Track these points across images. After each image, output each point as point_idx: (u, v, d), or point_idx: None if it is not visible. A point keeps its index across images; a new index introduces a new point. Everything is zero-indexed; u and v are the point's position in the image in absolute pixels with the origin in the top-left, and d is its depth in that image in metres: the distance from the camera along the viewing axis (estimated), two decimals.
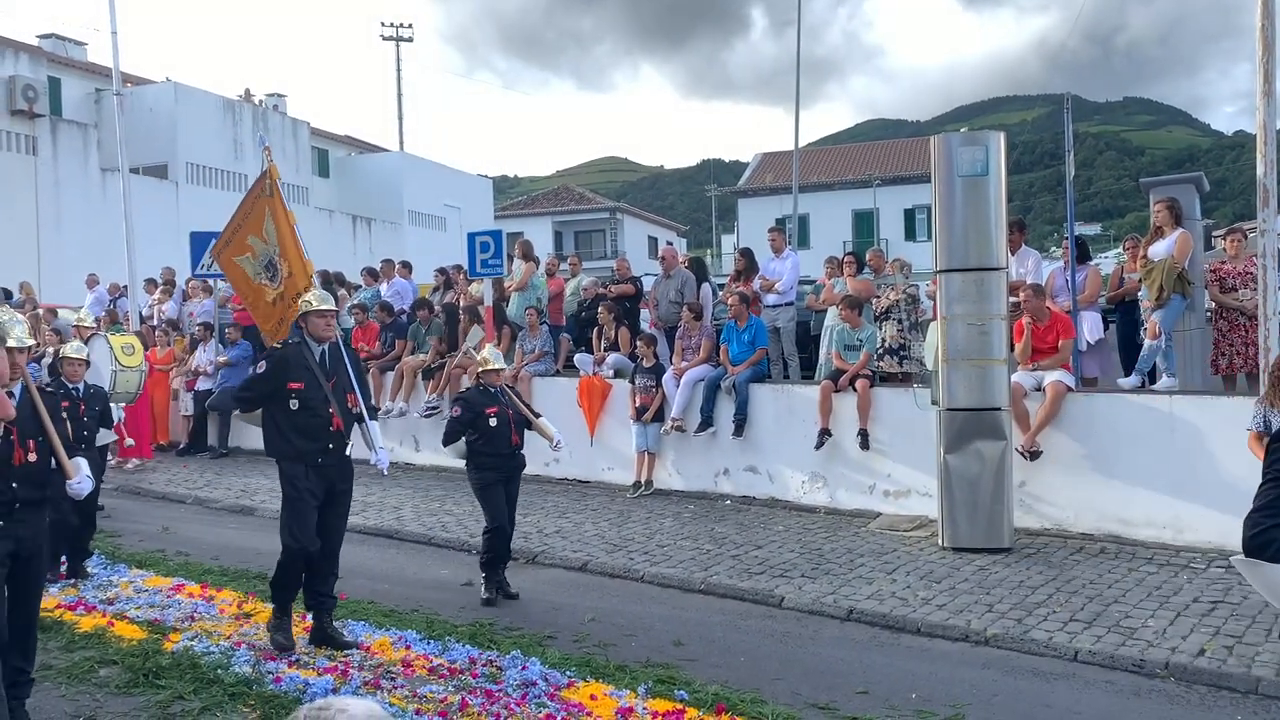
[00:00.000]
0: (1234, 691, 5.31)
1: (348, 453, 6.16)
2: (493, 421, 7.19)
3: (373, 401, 6.62)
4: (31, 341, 4.87)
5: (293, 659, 5.83)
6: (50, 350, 10.72)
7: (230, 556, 8.52)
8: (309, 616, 6.21)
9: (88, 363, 8.06)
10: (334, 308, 6.36)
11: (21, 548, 4.62)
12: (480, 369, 7.50)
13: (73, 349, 7.92)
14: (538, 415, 7.70)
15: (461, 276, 13.83)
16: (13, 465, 4.59)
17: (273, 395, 5.98)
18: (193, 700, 5.19)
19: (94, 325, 10.59)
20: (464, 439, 7.24)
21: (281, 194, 7.55)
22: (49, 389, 11.97)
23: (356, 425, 6.29)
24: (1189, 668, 5.53)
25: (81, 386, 7.86)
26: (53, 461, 4.82)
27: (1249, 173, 8.11)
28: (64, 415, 5.55)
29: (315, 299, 6.26)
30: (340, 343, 6.31)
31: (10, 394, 4.61)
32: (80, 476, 4.87)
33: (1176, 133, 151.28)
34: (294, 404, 5.92)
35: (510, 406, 7.40)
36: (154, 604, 7.00)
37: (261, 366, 6.06)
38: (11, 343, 4.58)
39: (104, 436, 8.38)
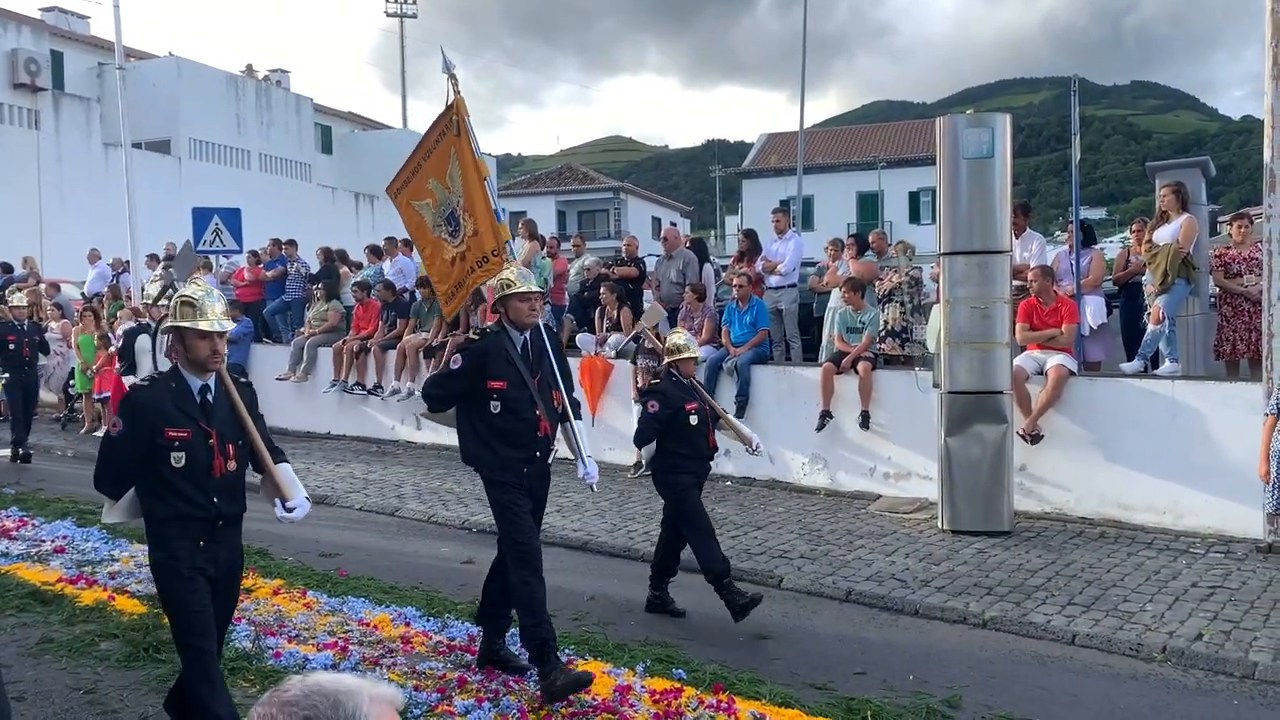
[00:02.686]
0: (1231, 676, 5.32)
1: (550, 461, 5.31)
2: (693, 419, 6.28)
3: (575, 395, 5.59)
4: (231, 325, 4.23)
5: (292, 634, 5.85)
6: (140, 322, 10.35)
7: None
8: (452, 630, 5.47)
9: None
10: (539, 288, 5.40)
11: (222, 571, 4.07)
12: (671, 357, 6.42)
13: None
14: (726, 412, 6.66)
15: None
16: (213, 476, 3.97)
17: (469, 395, 5.15)
18: None
19: (164, 304, 10.16)
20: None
21: (472, 135, 6.08)
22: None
23: (560, 427, 5.42)
24: (1186, 652, 5.54)
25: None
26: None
27: (1256, 158, 8.07)
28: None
29: (516, 277, 5.27)
30: (542, 329, 5.38)
31: (206, 387, 4.03)
32: (298, 498, 4.18)
33: (1184, 117, 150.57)
34: (495, 405, 5.06)
35: (705, 402, 6.50)
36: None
37: (457, 361, 5.16)
38: (205, 325, 3.95)
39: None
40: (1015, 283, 8.88)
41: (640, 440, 6.49)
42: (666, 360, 6.47)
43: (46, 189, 25.35)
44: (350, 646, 5.64)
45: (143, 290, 10.43)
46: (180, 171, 28.44)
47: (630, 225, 43.90)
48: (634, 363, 11.02)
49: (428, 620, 6.05)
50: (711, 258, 13.19)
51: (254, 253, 15.61)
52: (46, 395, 15.12)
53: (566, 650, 5.51)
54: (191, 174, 28.44)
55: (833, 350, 10.20)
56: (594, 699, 4.87)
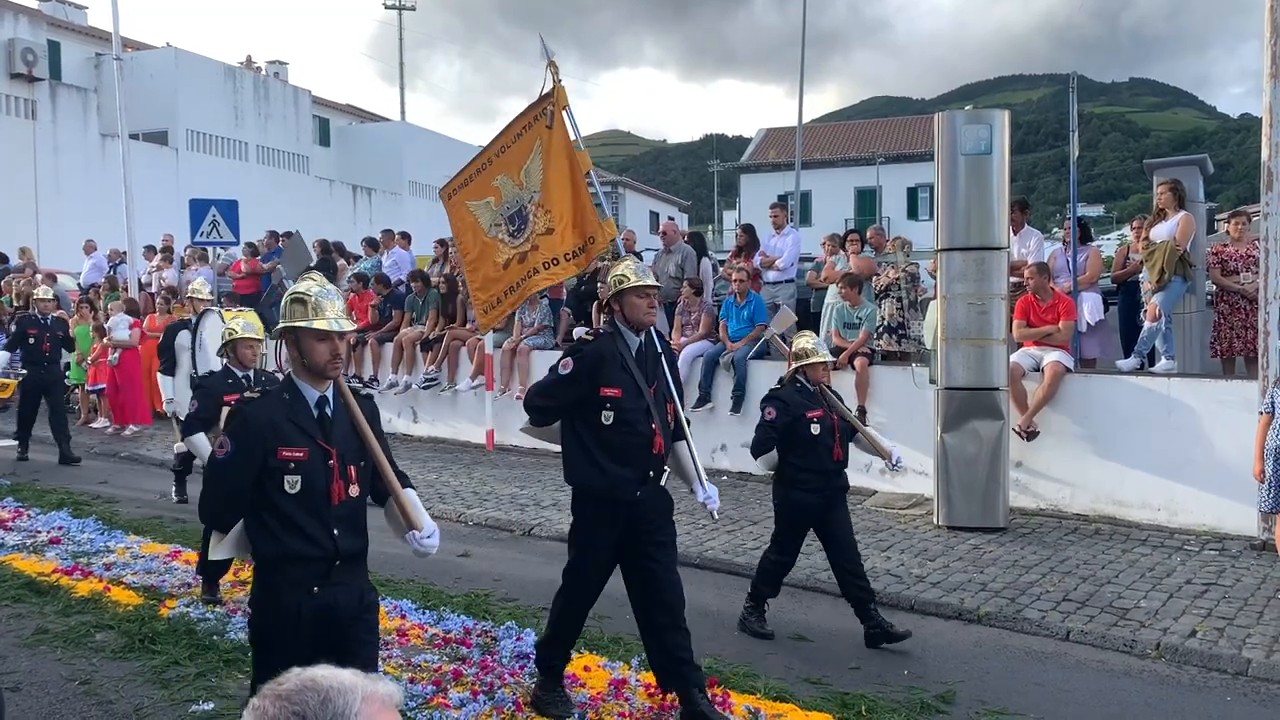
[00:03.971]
0: (1224, 673, 5.33)
1: (664, 483, 4.71)
2: (814, 429, 5.73)
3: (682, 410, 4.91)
4: (352, 326, 3.64)
5: None
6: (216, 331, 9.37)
7: None
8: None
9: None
10: (657, 282, 4.79)
11: (342, 616, 3.43)
12: (798, 362, 5.90)
13: (242, 326, 6.37)
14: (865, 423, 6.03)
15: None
16: (331, 504, 3.39)
17: (580, 404, 4.56)
18: (188, 666, 5.21)
19: (209, 298, 9.52)
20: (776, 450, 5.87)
21: (572, 126, 5.56)
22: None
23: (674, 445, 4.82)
24: (1180, 649, 5.55)
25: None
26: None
27: (1254, 156, 8.07)
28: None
29: (633, 271, 4.62)
30: (655, 332, 4.78)
31: (325, 399, 3.46)
32: (429, 529, 3.56)
33: (1182, 114, 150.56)
34: (607, 416, 4.48)
35: (835, 410, 5.93)
36: (151, 570, 7.03)
37: (568, 365, 4.55)
38: (322, 324, 3.37)
39: None
40: (1012, 279, 8.88)
41: (756, 450, 5.90)
42: (792, 365, 5.92)
43: (43, 180, 25.31)
44: None
45: (188, 284, 9.98)
46: (177, 163, 28.39)
47: (628, 220, 43.87)
48: None
49: (423, 613, 6.06)
50: (709, 252, 13.18)
51: (251, 245, 15.59)
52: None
53: None
54: (189, 165, 28.39)
55: (830, 345, 10.19)
56: (589, 692, 4.88)
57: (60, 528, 8.18)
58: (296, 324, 3.40)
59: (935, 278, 8.88)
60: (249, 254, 15.48)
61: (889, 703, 4.82)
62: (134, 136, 19.55)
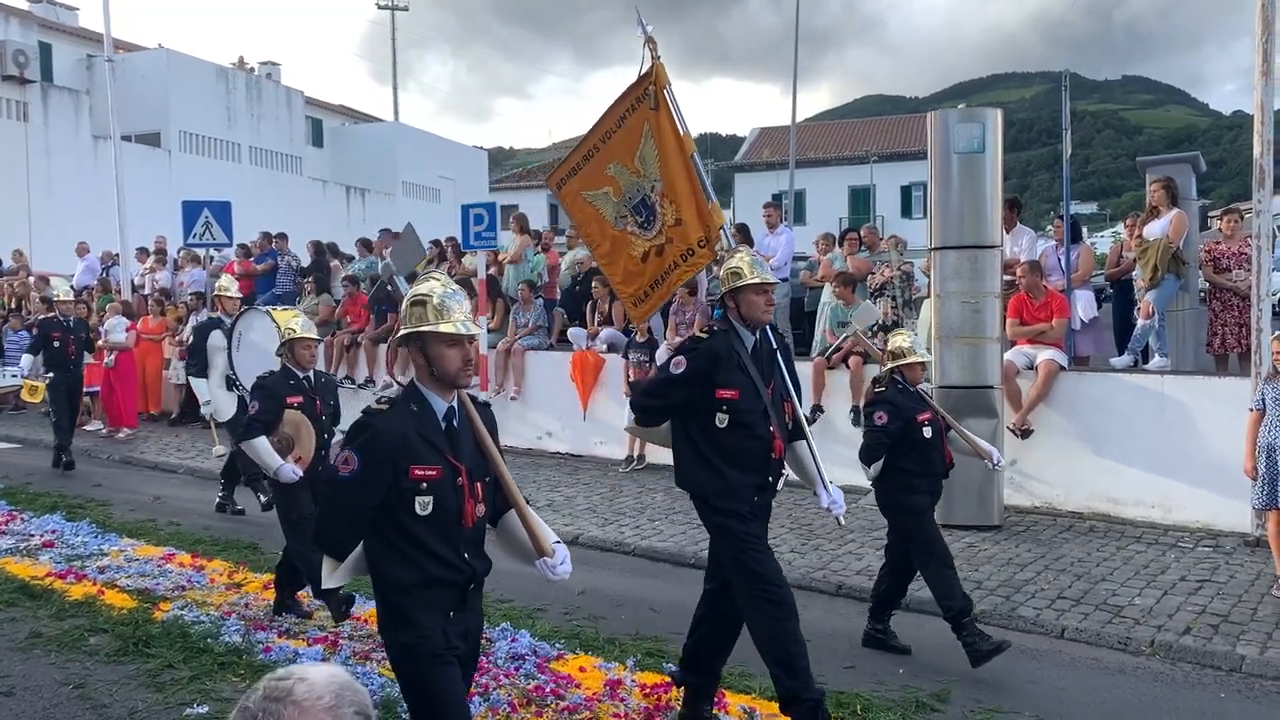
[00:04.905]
0: (1218, 669, 5.35)
1: (780, 487, 4.53)
2: (926, 432, 5.50)
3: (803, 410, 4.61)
4: (478, 330, 3.35)
5: (283, 629, 5.84)
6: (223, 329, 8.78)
7: (221, 526, 8.52)
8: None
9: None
10: (774, 279, 4.53)
11: (470, 646, 3.28)
12: (895, 362, 5.59)
13: (300, 326, 6.08)
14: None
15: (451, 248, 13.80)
16: (464, 526, 3.15)
17: (694, 405, 4.32)
18: (182, 669, 5.20)
19: (238, 296, 9.30)
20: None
21: (675, 107, 5.21)
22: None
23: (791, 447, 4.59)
24: (1174, 646, 5.57)
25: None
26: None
27: (1246, 153, 8.10)
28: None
29: (749, 265, 4.38)
30: (769, 331, 4.54)
31: (452, 410, 3.20)
32: (561, 555, 3.29)
33: (1175, 112, 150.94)
34: (723, 419, 4.24)
35: (937, 413, 5.69)
36: (145, 573, 7.01)
37: (680, 364, 4.31)
38: (449, 328, 3.11)
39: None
40: (1005, 277, 8.89)
41: (869, 457, 5.57)
42: (889, 365, 5.61)
43: (35, 182, 25.24)
44: (340, 641, 5.63)
45: (217, 282, 9.59)
46: (170, 164, 28.31)
47: None
48: (625, 357, 11.02)
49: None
50: None
51: (244, 246, 15.55)
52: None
53: (557, 645, 5.52)
54: (181, 167, 28.32)
55: (825, 344, 10.21)
56: (584, 693, 4.88)
57: (54, 531, 8.15)
58: (422, 329, 3.11)
59: (929, 276, 8.89)
60: (242, 255, 15.44)
61: (884, 701, 4.82)
62: (126, 138, 19.50)
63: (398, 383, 3.32)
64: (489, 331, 12.04)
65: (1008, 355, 8.71)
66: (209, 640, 5.58)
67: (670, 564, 7.41)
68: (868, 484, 5.87)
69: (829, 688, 4.99)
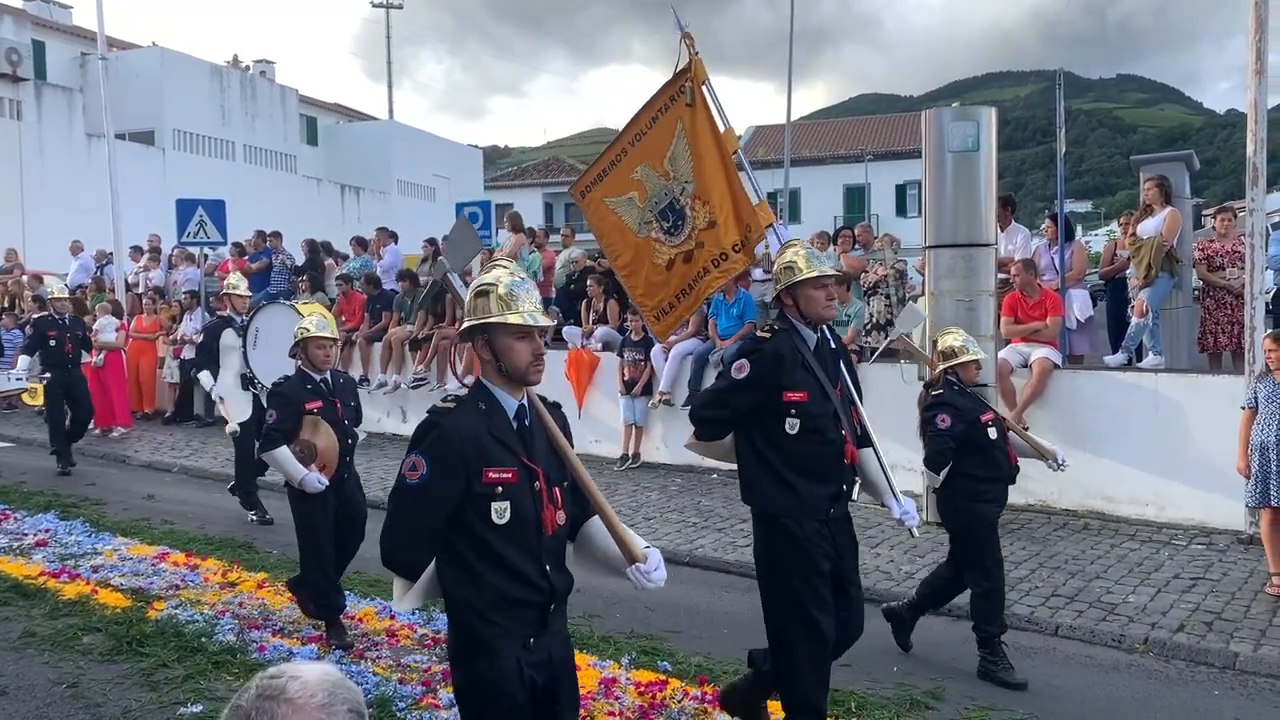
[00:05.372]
0: (1212, 667, 5.36)
1: (855, 498, 4.24)
2: (991, 433, 5.26)
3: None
4: (549, 321, 3.06)
5: (277, 628, 5.83)
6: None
7: (215, 525, 8.50)
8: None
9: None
10: (832, 270, 4.19)
11: (556, 673, 2.90)
12: (948, 362, 5.38)
13: (315, 324, 5.78)
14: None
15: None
16: (543, 534, 2.83)
17: (757, 413, 4.02)
18: (176, 668, 5.20)
19: (247, 294, 9.10)
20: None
21: (715, 104, 5.01)
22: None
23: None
24: (1168, 643, 5.58)
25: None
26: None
27: (1240, 152, 8.10)
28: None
29: (805, 259, 4.08)
30: (829, 330, 4.26)
31: (524, 409, 2.91)
32: (655, 560, 2.97)
33: (1169, 110, 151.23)
34: (792, 424, 3.95)
35: (998, 413, 5.43)
36: (138, 572, 7.00)
37: (743, 368, 3.98)
38: (516, 319, 2.82)
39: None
40: (1000, 276, 8.90)
41: (936, 463, 5.29)
42: (942, 366, 5.39)
43: (29, 180, 25.16)
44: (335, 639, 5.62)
45: (227, 278, 9.39)
46: (164, 163, 28.25)
47: None
48: (620, 356, 11.02)
49: (413, 613, 6.04)
50: None
51: (238, 245, 15.53)
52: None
53: None
54: (175, 165, 28.26)
55: None
56: (579, 691, 4.87)
57: (47, 530, 8.14)
58: (489, 320, 2.84)
59: (923, 275, 8.89)
60: (236, 254, 15.41)
61: (879, 699, 4.83)
62: (120, 136, 19.46)
63: (463, 384, 3.00)
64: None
65: (1002, 354, 8.72)
66: (203, 639, 5.57)
67: (666, 563, 7.39)
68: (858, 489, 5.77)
69: None
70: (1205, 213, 13.61)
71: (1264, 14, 7.44)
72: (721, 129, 5.11)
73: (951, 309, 8.26)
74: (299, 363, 5.77)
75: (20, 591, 6.52)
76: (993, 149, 8.30)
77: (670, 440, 10.81)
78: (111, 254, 16.28)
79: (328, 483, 5.61)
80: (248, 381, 8.27)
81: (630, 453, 10.84)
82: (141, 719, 4.66)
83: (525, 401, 2.91)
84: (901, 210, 42.28)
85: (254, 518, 8.73)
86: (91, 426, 13.55)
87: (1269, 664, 5.30)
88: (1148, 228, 8.90)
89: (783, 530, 3.96)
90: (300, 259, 15.04)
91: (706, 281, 5.17)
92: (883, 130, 47.66)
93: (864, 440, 4.25)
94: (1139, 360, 8.76)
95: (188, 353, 14.01)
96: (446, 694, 4.83)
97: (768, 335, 4.08)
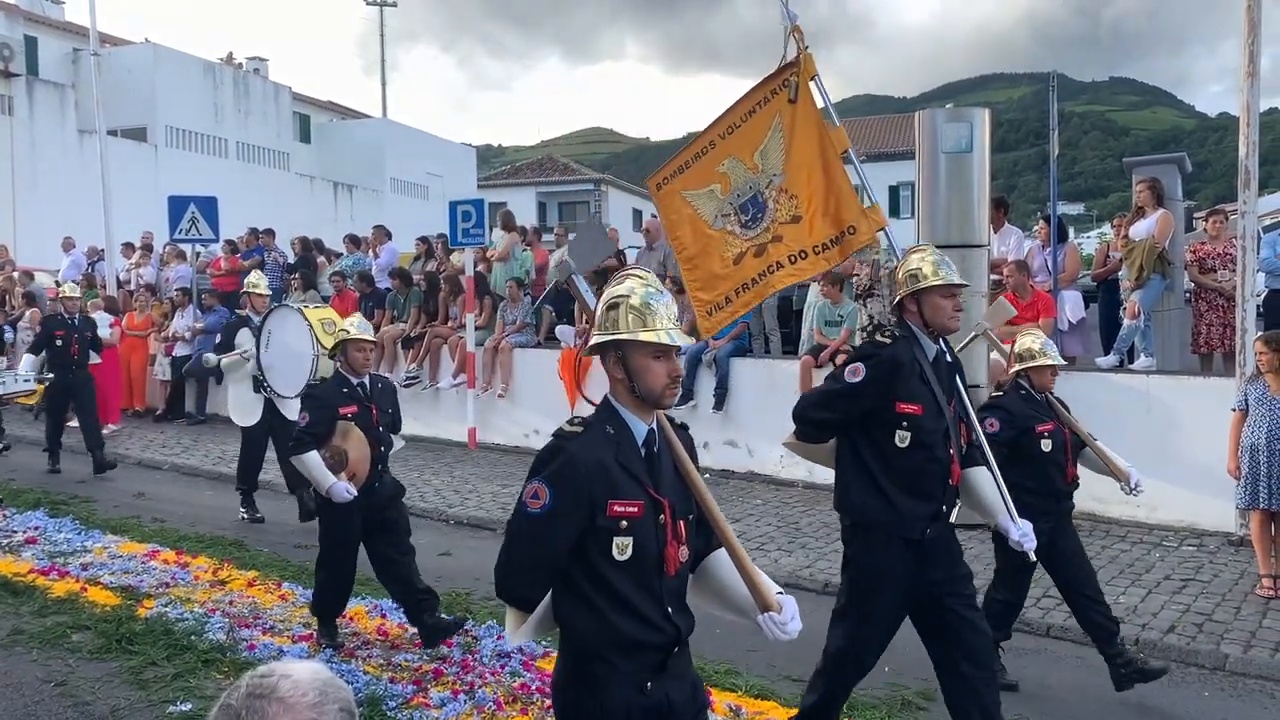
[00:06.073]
0: (1202, 668, 5.38)
1: (953, 519, 4.05)
2: (1045, 445, 4.97)
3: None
4: (686, 340, 2.79)
5: (267, 626, 5.81)
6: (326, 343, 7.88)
7: (206, 523, 8.47)
8: None
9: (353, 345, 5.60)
10: (960, 280, 3.97)
11: (676, 718, 2.65)
12: (1020, 365, 5.11)
13: (355, 326, 5.56)
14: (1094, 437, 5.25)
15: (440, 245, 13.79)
16: (664, 574, 2.61)
17: (867, 419, 3.86)
18: (165, 666, 5.18)
19: (267, 293, 8.97)
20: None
21: (823, 99, 4.85)
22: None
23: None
24: (1158, 644, 5.59)
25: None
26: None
27: (1232, 155, 8.14)
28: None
29: (931, 266, 3.89)
30: (945, 342, 4.01)
31: (653, 434, 2.68)
32: (790, 609, 2.76)
33: (1161, 113, 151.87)
34: (903, 437, 3.77)
35: (1065, 424, 5.16)
36: (128, 570, 6.97)
37: (858, 372, 3.81)
38: (649, 336, 2.60)
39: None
40: (993, 277, 8.92)
41: None
42: (1014, 368, 5.14)
43: (20, 176, 25.05)
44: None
45: (246, 279, 9.23)
46: (156, 159, 28.15)
47: (611, 217, 43.79)
48: None
49: (403, 612, 6.02)
50: None
51: (231, 242, 15.49)
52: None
53: (544, 643, 5.50)
54: (168, 162, 28.16)
55: (812, 343, 10.22)
56: None
57: (37, 527, 8.10)
58: (621, 336, 2.61)
59: None
60: (228, 251, 15.37)
61: (870, 699, 4.83)
62: (112, 133, 19.41)
63: (590, 402, 2.74)
64: (476, 329, 12.02)
65: (994, 355, 8.72)
66: (192, 637, 5.55)
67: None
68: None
69: None
70: (1197, 215, 13.67)
71: (1256, 17, 7.46)
72: (833, 127, 4.97)
73: None
74: (338, 365, 5.56)
75: (9, 589, 6.49)
76: (986, 150, 8.32)
77: None
78: (103, 251, 16.23)
79: (356, 493, 5.34)
80: (258, 384, 8.21)
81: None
82: (130, 717, 4.64)
83: (654, 426, 2.69)
84: (894, 211, 42.23)
85: (244, 515, 8.69)
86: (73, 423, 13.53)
87: (1259, 665, 5.31)
88: (1140, 230, 8.92)
89: (871, 544, 3.84)
90: (292, 257, 15.01)
91: (777, 277, 5.02)
92: (876, 131, 47.71)
93: (975, 459, 4.08)
94: (1131, 362, 8.78)
95: (179, 349, 13.99)
96: (438, 693, 4.82)
97: (888, 341, 3.86)
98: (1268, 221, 11.83)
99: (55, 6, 31.71)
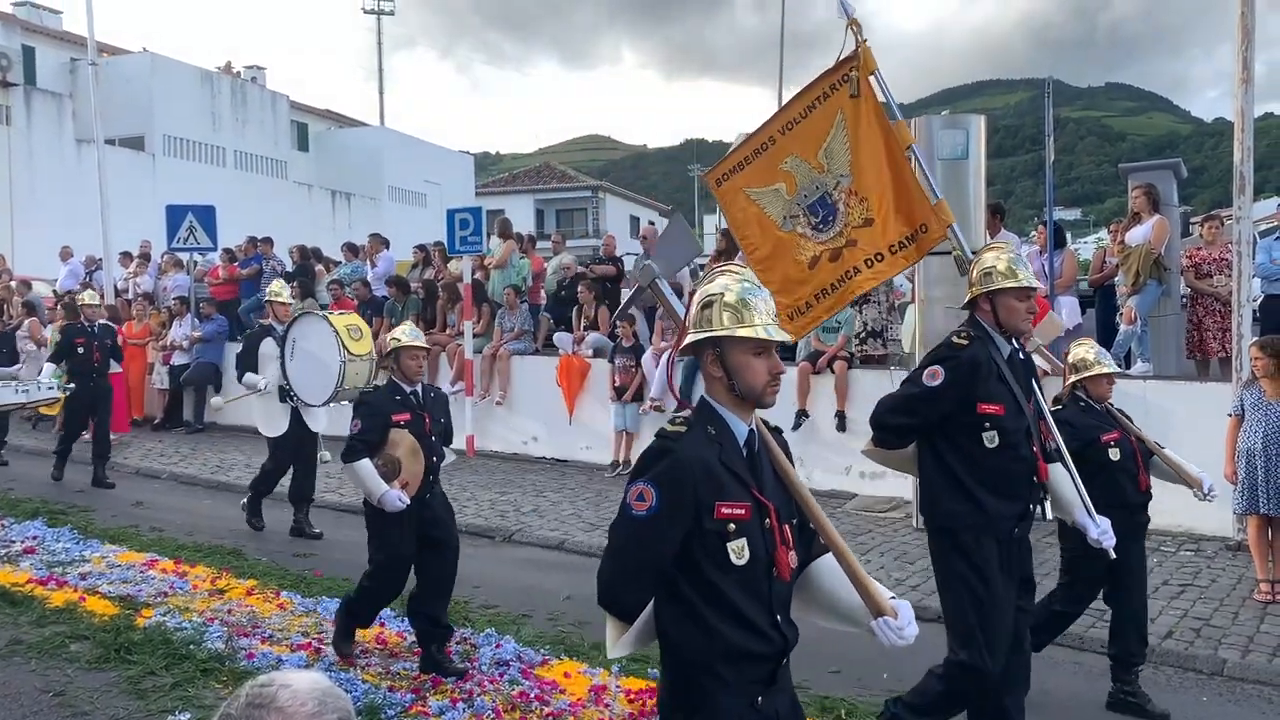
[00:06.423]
0: (1200, 673, 5.38)
1: (1047, 517, 4.08)
2: (1113, 453, 4.84)
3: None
4: (786, 337, 2.65)
5: (265, 635, 5.81)
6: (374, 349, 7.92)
7: (204, 532, 8.47)
8: None
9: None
10: (1035, 282, 3.92)
11: None
12: (1076, 375, 5.03)
13: (407, 333, 5.48)
14: (1162, 445, 5.10)
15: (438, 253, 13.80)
16: (774, 579, 2.51)
17: (950, 423, 3.83)
18: (164, 676, 5.17)
19: (290, 301, 8.87)
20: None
21: (885, 95, 4.72)
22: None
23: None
24: (1156, 650, 5.59)
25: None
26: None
27: (1227, 160, 8.17)
28: None
29: (1004, 264, 3.83)
30: (1016, 341, 3.96)
31: (753, 434, 2.60)
32: (906, 614, 2.71)
33: (1157, 119, 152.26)
34: (990, 438, 3.75)
35: (1129, 432, 5.02)
36: (126, 579, 6.96)
37: (937, 375, 3.78)
38: (747, 332, 2.51)
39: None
40: None
41: None
42: (1070, 379, 5.07)
43: (18, 186, 25.06)
44: (324, 647, 5.60)
45: (269, 287, 9.15)
46: (154, 168, 28.17)
47: (609, 224, 43.86)
48: (611, 362, 11.02)
49: (402, 620, 6.02)
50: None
51: (229, 251, 15.49)
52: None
53: (542, 650, 5.51)
54: (166, 171, 28.17)
55: (809, 349, 10.23)
56: (569, 698, 4.87)
57: (35, 537, 8.09)
58: (718, 333, 2.52)
59: (913, 282, 8.92)
60: (227, 260, 15.38)
61: (869, 706, 4.83)
62: (110, 142, 19.40)
63: (682, 402, 2.64)
64: (474, 336, 12.03)
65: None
66: (191, 647, 5.54)
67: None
68: (852, 489, 5.68)
69: (813, 691, 5.01)
70: (1193, 220, 13.67)
71: (1251, 23, 7.49)
72: (894, 121, 4.84)
73: (941, 316, 8.26)
74: (390, 373, 5.47)
75: (7, 599, 6.48)
76: (982, 156, 8.34)
77: None
78: (101, 260, 16.23)
79: (409, 501, 5.18)
80: (285, 393, 8.16)
81: (620, 459, 10.83)
82: None
83: (754, 426, 2.60)
84: None
85: (244, 511, 8.70)
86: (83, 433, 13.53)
87: (1256, 670, 5.32)
88: (1136, 235, 8.94)
89: (961, 547, 3.80)
90: (290, 265, 15.02)
91: (857, 282, 4.95)
92: None
93: (1056, 457, 4.06)
94: (1127, 367, 8.79)
95: (177, 358, 13.99)
96: (436, 701, 4.82)
97: (965, 342, 3.81)
98: (1263, 226, 11.88)
99: (53, 16, 31.72)
